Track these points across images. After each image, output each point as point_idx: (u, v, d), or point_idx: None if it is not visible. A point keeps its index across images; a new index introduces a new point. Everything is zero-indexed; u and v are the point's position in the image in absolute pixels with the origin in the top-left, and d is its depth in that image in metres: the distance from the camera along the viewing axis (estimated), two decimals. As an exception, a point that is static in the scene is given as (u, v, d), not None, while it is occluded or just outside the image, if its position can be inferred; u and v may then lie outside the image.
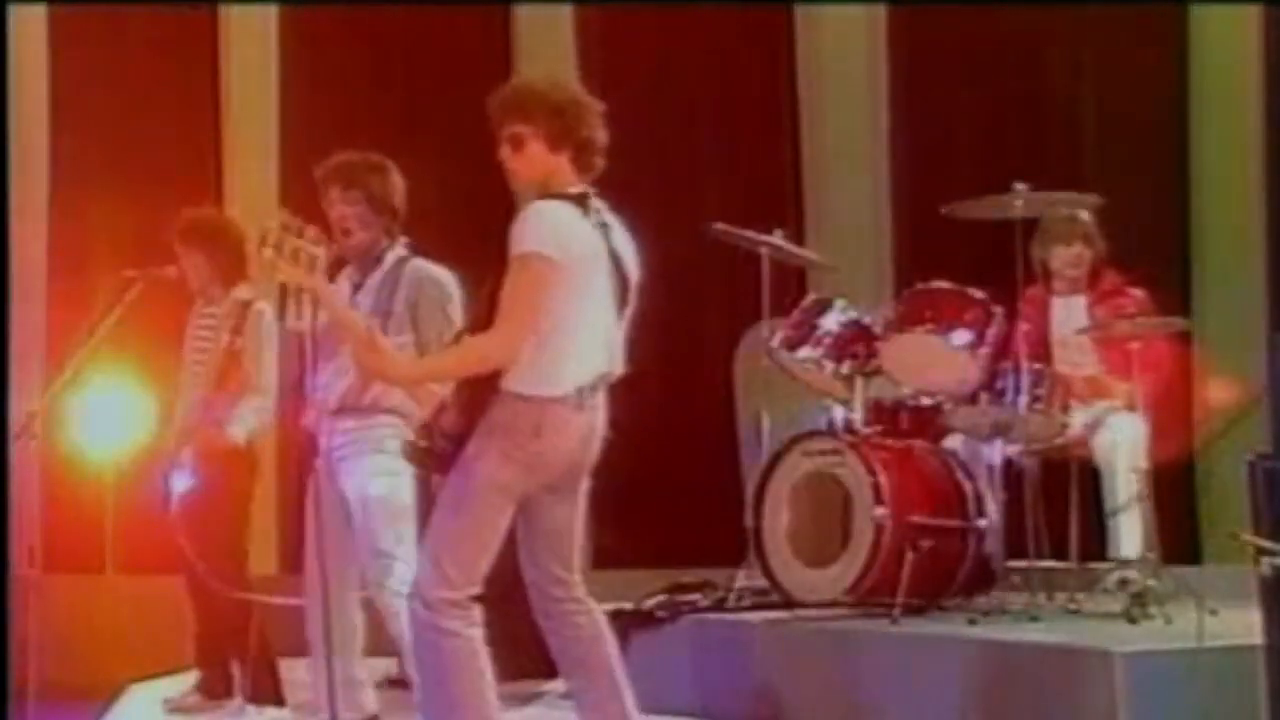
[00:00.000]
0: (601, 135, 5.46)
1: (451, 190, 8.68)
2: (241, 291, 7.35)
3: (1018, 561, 7.21)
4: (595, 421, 5.45)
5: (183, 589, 7.34)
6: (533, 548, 5.52)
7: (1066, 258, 7.71)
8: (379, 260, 6.40)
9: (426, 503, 6.02)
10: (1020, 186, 7.14)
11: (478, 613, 5.38)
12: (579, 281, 5.32)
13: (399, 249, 6.43)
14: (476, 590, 5.38)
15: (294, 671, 7.16)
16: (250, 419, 7.22)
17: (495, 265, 5.33)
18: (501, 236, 5.32)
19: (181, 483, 7.15)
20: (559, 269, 5.26)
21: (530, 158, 5.42)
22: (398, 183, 6.46)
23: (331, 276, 5.89)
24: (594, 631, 5.56)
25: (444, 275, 6.41)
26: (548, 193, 5.39)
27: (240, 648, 7.22)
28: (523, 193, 5.49)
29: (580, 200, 5.41)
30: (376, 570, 6.29)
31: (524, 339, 5.26)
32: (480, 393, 5.33)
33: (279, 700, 7.22)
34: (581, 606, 5.56)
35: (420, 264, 6.42)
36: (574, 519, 5.55)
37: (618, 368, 5.49)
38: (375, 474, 6.29)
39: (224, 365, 7.22)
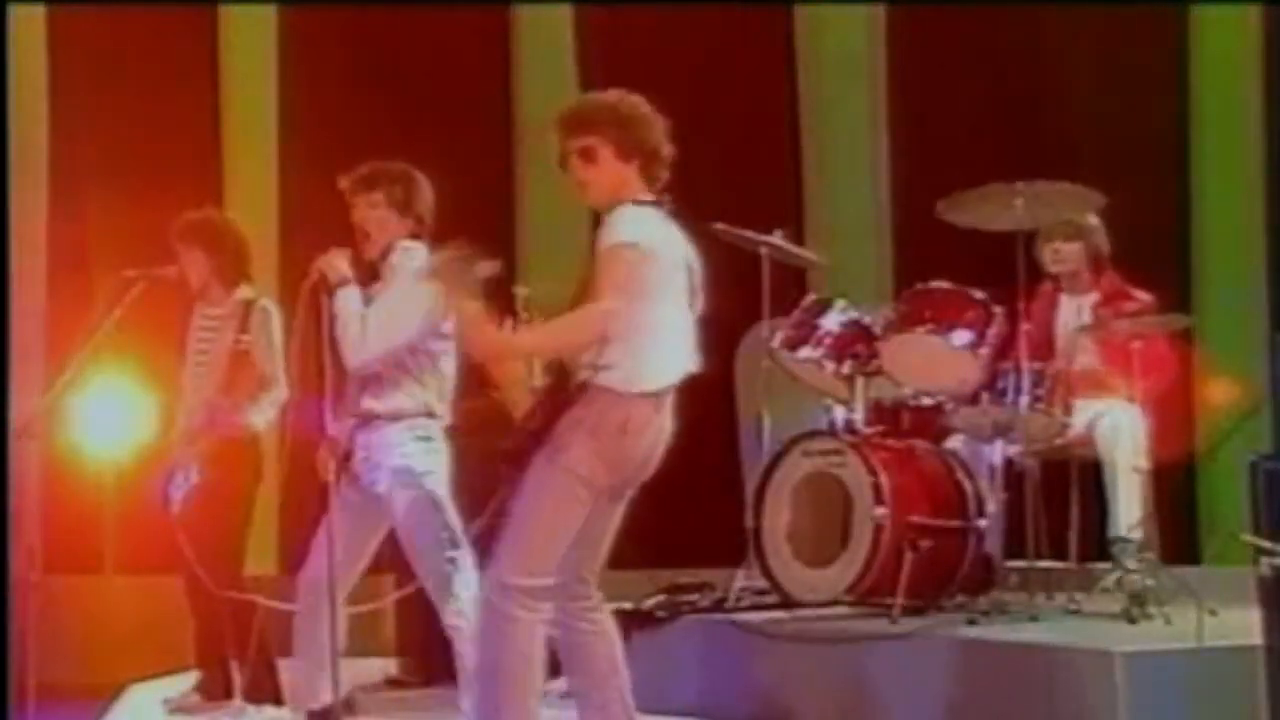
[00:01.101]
0: (668, 148, 5.58)
1: (450, 190, 8.66)
2: (244, 291, 7.36)
3: (1018, 561, 7.21)
4: (667, 424, 5.55)
5: (181, 590, 7.34)
6: (569, 550, 5.53)
7: (1047, 253, 7.72)
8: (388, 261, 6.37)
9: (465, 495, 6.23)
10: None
11: (547, 606, 5.43)
12: (664, 279, 5.44)
13: (409, 250, 6.38)
14: (551, 580, 5.43)
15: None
16: (269, 410, 7.23)
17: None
18: (499, 237, 5.33)
19: (186, 484, 7.16)
20: (648, 258, 5.36)
21: (602, 168, 5.52)
22: (423, 191, 6.46)
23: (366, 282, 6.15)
24: (601, 631, 5.62)
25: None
26: (623, 202, 5.48)
27: (240, 648, 7.22)
28: (596, 205, 5.60)
29: (657, 206, 5.54)
30: (438, 582, 6.32)
31: (627, 312, 5.32)
32: (568, 395, 5.41)
33: (278, 700, 7.21)
34: (593, 605, 5.62)
35: (412, 257, 6.36)
36: (613, 526, 5.63)
37: (695, 368, 5.58)
38: (408, 484, 6.30)
39: (232, 365, 7.23)
